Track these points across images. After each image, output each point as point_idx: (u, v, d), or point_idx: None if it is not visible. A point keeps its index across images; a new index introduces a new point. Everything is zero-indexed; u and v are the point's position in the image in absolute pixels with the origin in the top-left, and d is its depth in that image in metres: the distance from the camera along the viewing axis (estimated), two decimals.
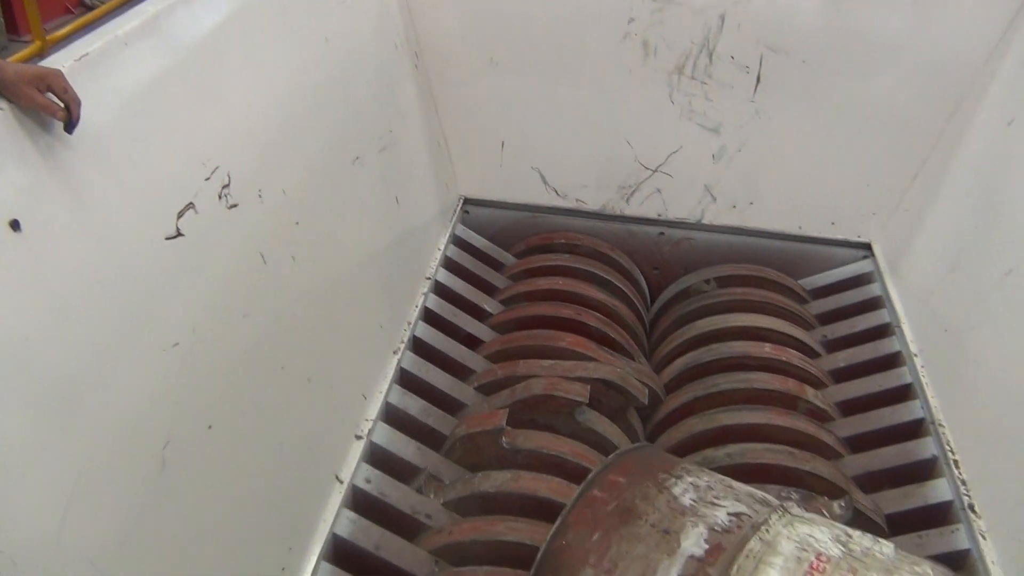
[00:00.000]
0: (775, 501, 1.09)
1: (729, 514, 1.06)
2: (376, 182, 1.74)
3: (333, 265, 1.52)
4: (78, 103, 0.93)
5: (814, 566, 0.98)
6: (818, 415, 1.75)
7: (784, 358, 1.84)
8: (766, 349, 1.86)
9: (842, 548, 1.00)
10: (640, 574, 1.04)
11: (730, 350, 1.87)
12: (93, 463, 0.90)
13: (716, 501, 1.09)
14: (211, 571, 1.07)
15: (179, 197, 1.13)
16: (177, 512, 1.02)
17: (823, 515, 1.29)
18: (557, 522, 1.15)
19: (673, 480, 1.15)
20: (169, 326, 1.05)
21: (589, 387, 1.66)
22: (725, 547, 1.02)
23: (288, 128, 1.43)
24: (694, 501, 1.09)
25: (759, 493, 1.12)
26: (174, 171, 1.14)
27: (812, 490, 1.53)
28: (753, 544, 1.01)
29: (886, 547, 1.00)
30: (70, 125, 0.93)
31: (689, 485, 1.13)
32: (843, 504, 1.48)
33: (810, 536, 1.03)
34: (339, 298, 1.52)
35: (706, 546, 1.03)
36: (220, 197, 1.21)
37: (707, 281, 2.19)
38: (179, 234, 1.10)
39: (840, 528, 1.05)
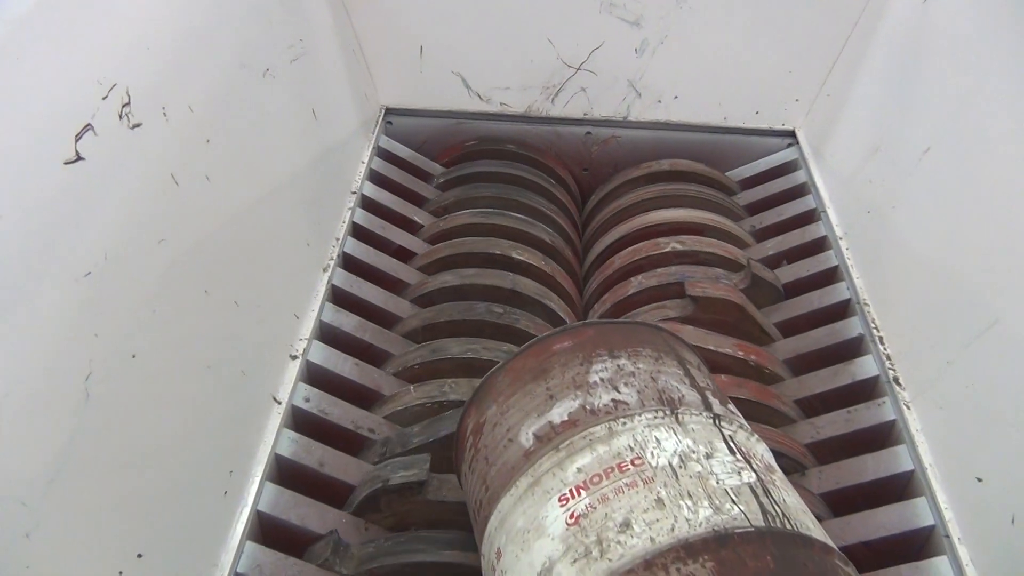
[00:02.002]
0: (676, 406, 1.07)
1: (613, 400, 1.08)
2: (290, 95, 1.67)
3: (251, 184, 1.47)
4: None
5: (620, 466, 0.98)
6: (762, 340, 1.78)
7: (712, 250, 1.86)
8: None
9: (674, 463, 0.98)
10: (516, 422, 1.11)
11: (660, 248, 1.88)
12: (10, 402, 0.86)
13: (618, 386, 1.10)
14: (149, 501, 1.05)
15: (75, 119, 1.06)
16: (108, 444, 1.00)
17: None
18: (500, 363, 1.21)
19: (606, 358, 1.15)
20: (78, 255, 1.00)
21: None
22: (578, 424, 1.05)
23: (189, 40, 1.35)
24: (600, 380, 1.11)
25: (675, 393, 1.11)
26: (67, 92, 1.06)
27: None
28: (598, 429, 1.03)
29: (731, 479, 0.97)
30: None
31: (614, 367, 1.13)
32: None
33: (655, 441, 1.01)
34: (261, 217, 1.47)
35: (566, 418, 1.07)
36: (121, 116, 1.14)
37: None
38: (79, 158, 1.04)
39: (712, 448, 1.01)
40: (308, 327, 1.55)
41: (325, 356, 1.54)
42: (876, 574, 1.28)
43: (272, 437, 1.36)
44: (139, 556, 1.00)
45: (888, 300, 1.64)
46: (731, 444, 1.04)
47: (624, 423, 1.04)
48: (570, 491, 0.99)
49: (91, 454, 0.96)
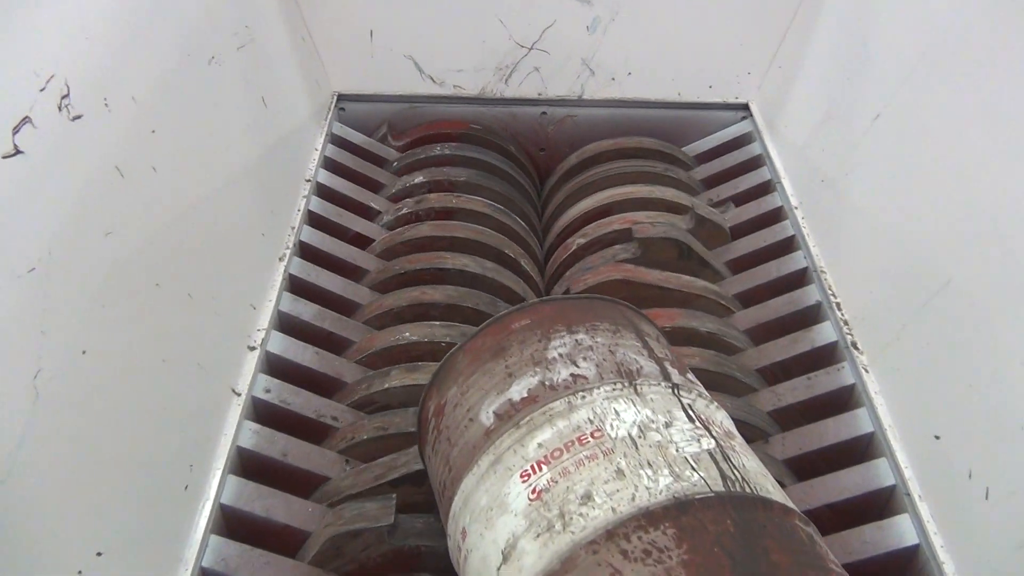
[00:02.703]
0: (634, 377, 1.08)
1: (572, 374, 1.08)
2: (237, 83, 1.65)
3: (201, 174, 1.44)
4: None
5: (580, 439, 0.99)
6: (710, 277, 1.79)
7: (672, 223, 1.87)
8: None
9: (633, 433, 0.98)
10: (476, 401, 1.11)
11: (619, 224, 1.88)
12: None
13: (577, 361, 1.10)
14: (107, 499, 1.03)
15: (12, 111, 1.03)
16: (61, 443, 0.97)
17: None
18: (459, 343, 1.21)
19: (565, 334, 1.15)
20: (20, 250, 0.97)
21: None
22: (538, 400, 1.06)
23: (130, 29, 1.32)
24: (559, 356, 1.11)
25: (633, 365, 1.11)
26: (3, 84, 1.04)
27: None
28: (558, 404, 1.03)
29: (690, 446, 0.98)
30: None
31: (572, 342, 1.13)
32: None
33: (614, 413, 1.01)
34: (212, 208, 1.45)
35: (525, 394, 1.07)
36: (60, 108, 1.11)
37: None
38: (17, 151, 1.01)
39: (671, 417, 1.02)
40: (266, 317, 1.53)
41: (284, 346, 1.52)
42: (840, 535, 1.30)
43: (232, 429, 1.34)
44: (99, 554, 0.98)
45: (844, 266, 1.66)
46: (690, 412, 1.04)
47: (583, 397, 1.04)
48: (531, 467, 0.99)
49: (44, 453, 0.94)
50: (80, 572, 0.95)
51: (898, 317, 1.43)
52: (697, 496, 0.90)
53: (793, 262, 1.75)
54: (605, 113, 2.22)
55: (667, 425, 1.00)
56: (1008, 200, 1.25)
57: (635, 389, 1.05)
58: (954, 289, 1.33)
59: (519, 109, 2.22)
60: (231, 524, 1.27)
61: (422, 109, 2.21)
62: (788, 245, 1.81)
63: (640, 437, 0.98)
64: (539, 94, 2.19)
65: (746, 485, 0.94)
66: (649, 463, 0.94)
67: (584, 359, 1.10)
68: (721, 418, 1.08)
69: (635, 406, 1.02)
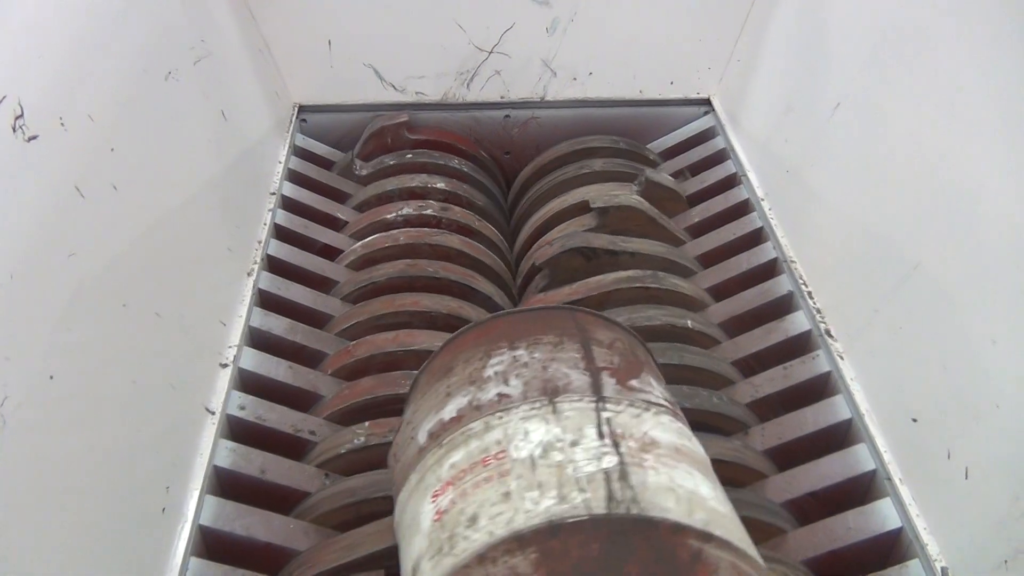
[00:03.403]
0: (556, 394, 1.06)
1: (499, 394, 1.07)
2: (196, 97, 1.62)
3: (163, 191, 1.42)
4: None
5: (484, 460, 0.98)
6: (681, 271, 1.80)
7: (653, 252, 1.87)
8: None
9: (535, 454, 0.97)
10: (419, 421, 1.11)
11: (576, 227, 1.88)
12: None
13: (508, 379, 1.09)
14: (81, 526, 1.01)
15: None
16: (31, 471, 0.95)
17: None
18: (424, 363, 1.22)
19: (505, 350, 1.14)
20: None
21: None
22: (462, 420, 1.05)
23: (83, 47, 1.29)
24: (494, 374, 1.10)
25: (561, 380, 1.09)
26: None
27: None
28: (476, 425, 1.03)
29: (589, 465, 0.95)
30: None
31: (510, 359, 1.12)
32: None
33: (523, 433, 1.00)
34: (176, 225, 1.42)
35: (454, 414, 1.07)
36: (15, 129, 1.08)
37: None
38: None
39: (580, 435, 1.00)
40: (237, 333, 1.51)
41: (257, 362, 1.50)
42: (825, 522, 1.30)
43: (208, 449, 1.31)
44: None
45: (814, 256, 1.67)
46: (603, 428, 1.01)
47: (501, 417, 1.02)
48: (441, 487, 0.98)
49: (13, 483, 0.91)
50: None
51: (870, 303, 1.44)
52: (569, 519, 0.88)
53: (763, 253, 1.76)
54: (568, 114, 2.22)
55: (573, 444, 0.98)
56: (971, 182, 1.27)
57: (553, 407, 1.03)
58: (923, 273, 1.35)
59: (482, 113, 2.21)
60: (211, 545, 1.24)
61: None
62: (757, 237, 1.82)
63: (542, 458, 0.96)
64: (501, 97, 2.19)
65: (633, 505, 0.91)
66: (540, 484, 0.93)
67: (516, 376, 1.09)
68: (647, 430, 1.04)
69: (547, 424, 1.01)
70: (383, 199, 1.99)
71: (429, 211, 1.91)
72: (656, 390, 1.13)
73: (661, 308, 1.65)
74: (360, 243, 1.85)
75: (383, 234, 1.86)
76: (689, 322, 1.63)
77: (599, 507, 0.89)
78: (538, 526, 0.87)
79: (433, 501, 0.98)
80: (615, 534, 0.87)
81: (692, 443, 1.05)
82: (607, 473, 0.93)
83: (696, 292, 1.73)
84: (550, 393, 1.06)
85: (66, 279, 1.10)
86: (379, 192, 2.00)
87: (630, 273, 1.72)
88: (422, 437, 1.08)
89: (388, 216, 1.90)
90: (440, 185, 2.01)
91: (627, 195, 1.87)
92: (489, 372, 1.10)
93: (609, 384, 1.10)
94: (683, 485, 0.96)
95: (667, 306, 1.67)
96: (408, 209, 1.91)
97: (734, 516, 0.98)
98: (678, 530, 0.89)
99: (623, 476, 0.94)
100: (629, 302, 1.68)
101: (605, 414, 1.03)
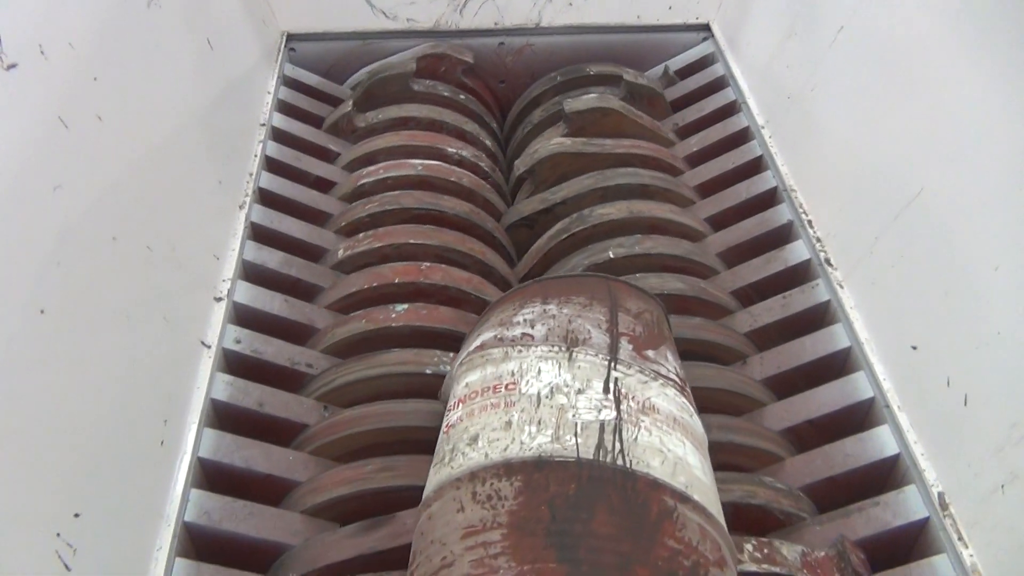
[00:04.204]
0: (575, 345, 1.12)
1: (523, 333, 1.14)
2: (180, 26, 1.57)
3: (150, 121, 1.38)
4: None
5: (495, 387, 1.06)
6: (679, 202, 1.78)
7: (637, 151, 1.84)
8: (624, 144, 1.85)
9: (542, 392, 1.04)
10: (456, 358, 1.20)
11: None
12: None
13: (535, 325, 1.15)
14: (79, 460, 1.00)
15: None
16: (24, 406, 0.94)
17: None
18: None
19: (537, 304, 1.20)
20: None
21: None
22: (484, 347, 1.13)
23: None
24: (524, 320, 1.17)
25: (582, 334, 1.14)
26: None
27: None
28: (496, 351, 1.11)
29: (588, 414, 1.01)
30: None
31: (540, 311, 1.18)
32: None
33: (536, 371, 1.07)
34: (164, 157, 1.39)
35: (478, 343, 1.16)
36: None
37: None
38: None
39: (586, 385, 1.05)
40: (230, 267, 1.49)
41: (252, 295, 1.48)
42: (823, 450, 1.31)
43: (205, 382, 1.30)
44: (76, 515, 0.95)
45: (814, 184, 1.65)
46: (609, 385, 1.07)
47: (520, 351, 1.09)
48: (455, 403, 1.08)
49: (7, 418, 0.91)
50: (59, 534, 0.92)
51: (870, 231, 1.43)
52: (557, 458, 0.95)
53: (762, 182, 1.74)
54: (564, 40, 2.17)
55: (579, 392, 1.04)
56: (976, 108, 1.24)
57: (569, 355, 1.10)
58: (925, 199, 1.33)
59: (476, 41, 2.16)
60: (211, 478, 1.25)
61: (375, 45, 2.13)
62: (756, 166, 1.79)
63: (547, 397, 1.03)
64: (496, 24, 2.13)
65: (619, 457, 0.97)
66: (540, 422, 1.00)
67: (541, 324, 1.15)
68: (650, 396, 1.08)
69: (560, 369, 1.07)
70: (374, 130, 1.95)
71: (420, 141, 1.87)
72: (670, 364, 1.17)
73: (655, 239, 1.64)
74: (355, 174, 1.82)
75: (379, 165, 1.82)
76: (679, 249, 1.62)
77: (586, 453, 0.96)
78: (527, 458, 0.96)
79: (447, 414, 1.08)
80: (594, 479, 0.94)
81: (692, 419, 1.09)
82: (603, 425, 1.00)
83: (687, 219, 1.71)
84: (570, 343, 1.12)
85: (52, 212, 1.07)
86: (371, 122, 1.95)
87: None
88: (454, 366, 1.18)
89: (379, 147, 1.86)
90: (434, 116, 1.97)
91: (604, 96, 1.86)
92: (519, 318, 1.18)
93: (626, 349, 1.15)
94: (672, 450, 1.01)
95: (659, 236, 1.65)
96: (399, 139, 1.87)
97: (715, 490, 1.04)
98: (656, 486, 0.95)
99: (616, 431, 1.00)
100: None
101: (615, 374, 1.09)
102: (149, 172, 1.34)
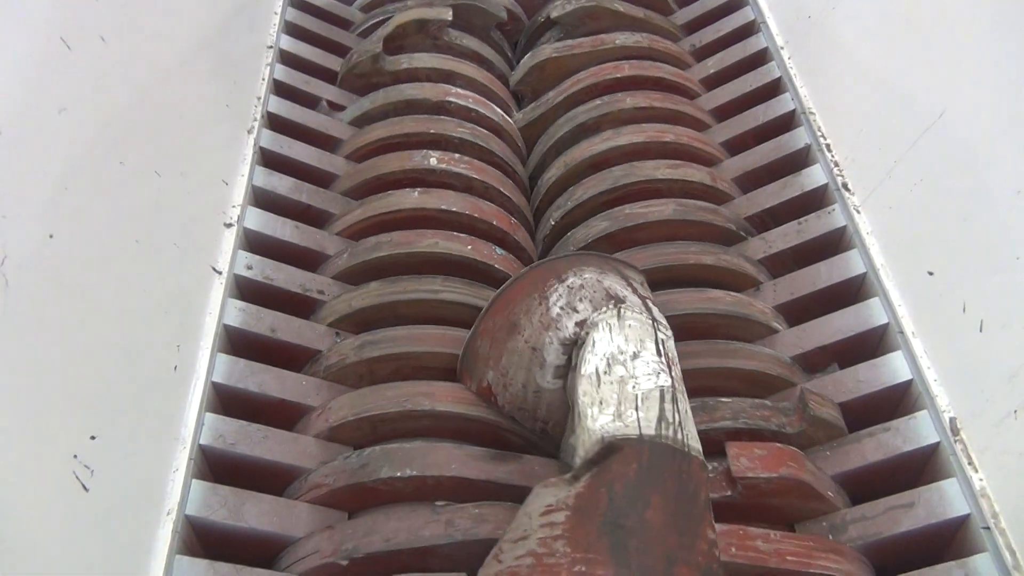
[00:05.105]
0: (620, 302, 1.16)
1: (576, 323, 1.16)
2: None
3: (154, 43, 1.36)
4: None
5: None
6: (695, 125, 1.74)
7: (651, 74, 1.80)
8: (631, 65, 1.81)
9: (600, 368, 1.08)
10: (523, 382, 1.21)
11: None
12: None
13: (575, 306, 1.17)
14: (94, 384, 1.01)
15: None
16: (36, 330, 0.94)
17: None
18: (472, 328, 1.28)
19: (556, 284, 1.21)
20: None
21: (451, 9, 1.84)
22: (575, 363, 1.15)
23: None
24: (560, 310, 1.17)
25: (620, 291, 1.19)
26: None
27: None
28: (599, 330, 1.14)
29: (647, 381, 1.05)
30: None
31: (566, 289, 1.19)
32: None
33: (591, 344, 1.11)
34: (170, 80, 1.37)
35: (563, 357, 1.17)
36: None
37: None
38: None
39: (641, 347, 1.09)
40: (240, 193, 1.47)
41: (262, 221, 1.47)
42: (835, 376, 1.31)
43: (217, 308, 1.31)
44: (92, 438, 0.97)
45: (834, 106, 1.61)
46: (660, 347, 1.11)
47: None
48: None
49: (19, 342, 0.91)
50: (76, 456, 0.93)
51: (890, 154, 1.40)
52: (620, 437, 0.99)
53: (780, 105, 1.69)
54: None
55: (635, 356, 1.07)
56: (1001, 25, 1.20)
57: (618, 312, 1.12)
58: (947, 122, 1.30)
59: None
60: (225, 402, 1.26)
61: None
62: (774, 88, 1.74)
63: (606, 373, 1.06)
64: None
65: (679, 431, 1.01)
66: (602, 401, 1.03)
67: (580, 300, 1.17)
68: (679, 363, 1.14)
69: (611, 333, 1.10)
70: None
71: (431, 64, 1.83)
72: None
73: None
74: (366, 98, 1.78)
75: (391, 87, 1.78)
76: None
77: (648, 428, 1.00)
78: (593, 441, 1.01)
79: None
80: (655, 458, 0.98)
81: None
82: (662, 393, 1.03)
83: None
84: (613, 299, 1.16)
85: (59, 135, 1.06)
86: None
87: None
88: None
89: (392, 69, 1.82)
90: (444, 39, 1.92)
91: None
92: (555, 310, 1.18)
93: (655, 310, 1.19)
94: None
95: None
96: (412, 63, 1.83)
97: None
98: (702, 467, 1.01)
99: (673, 400, 1.05)
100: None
101: (660, 335, 1.14)
102: (155, 95, 1.32)
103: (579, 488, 0.96)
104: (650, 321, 1.14)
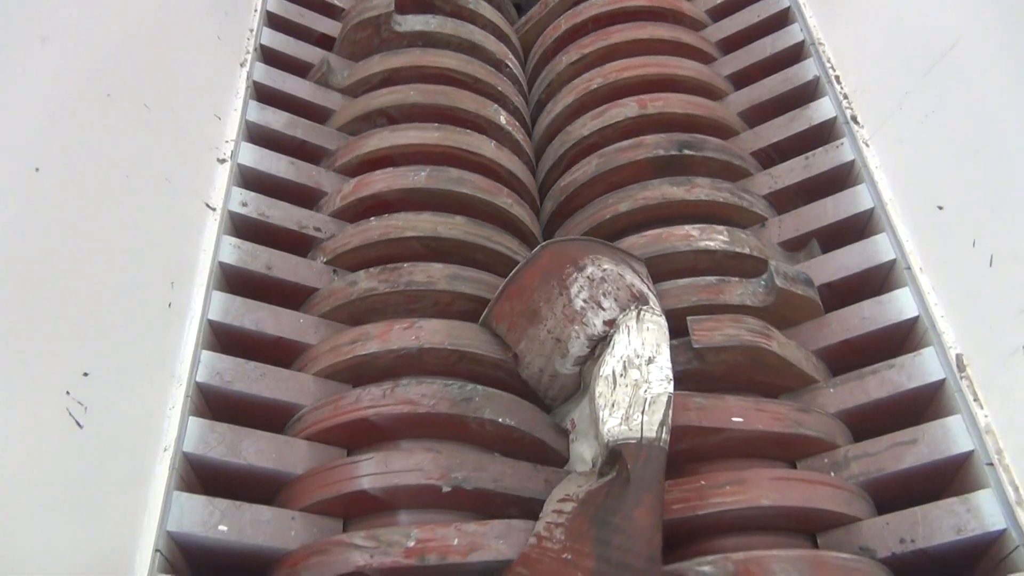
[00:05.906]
0: (642, 303, 1.17)
1: (604, 322, 1.18)
2: None
3: None
4: None
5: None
6: (701, 57, 1.70)
7: (659, 4, 1.75)
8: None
9: (616, 371, 1.10)
10: (541, 367, 1.24)
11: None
12: None
13: (600, 302, 1.18)
14: (84, 320, 1.00)
15: None
16: (23, 265, 0.92)
17: None
18: (486, 311, 1.28)
19: (575, 275, 1.21)
20: None
21: None
22: (597, 354, 1.18)
23: None
24: (584, 303, 1.18)
25: (642, 287, 1.20)
26: None
27: None
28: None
29: (659, 386, 1.06)
30: None
31: (586, 281, 1.20)
32: None
33: (611, 347, 1.14)
34: (157, 9, 1.33)
35: (587, 349, 1.20)
36: None
37: None
38: None
39: (656, 352, 1.11)
40: (233, 128, 1.44)
41: (257, 157, 1.44)
42: (839, 312, 1.29)
43: (212, 245, 1.28)
44: (85, 375, 0.95)
45: (844, 37, 1.56)
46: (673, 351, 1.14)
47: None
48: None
49: (8, 278, 0.89)
50: (68, 392, 0.92)
51: (901, 85, 1.36)
52: (622, 440, 1.02)
53: (788, 36, 1.64)
54: None
55: (650, 360, 1.09)
56: None
57: (639, 315, 1.14)
58: (961, 52, 1.25)
59: None
60: (221, 340, 1.24)
61: None
62: (783, 18, 1.69)
63: (622, 375, 1.09)
64: None
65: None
66: (615, 404, 1.06)
67: (604, 295, 1.18)
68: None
69: (629, 336, 1.12)
70: None
71: None
72: None
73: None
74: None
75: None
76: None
77: (650, 431, 1.02)
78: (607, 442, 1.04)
79: None
80: (651, 459, 1.00)
81: None
82: (670, 398, 1.05)
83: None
84: (637, 299, 1.18)
85: (41, 65, 1.03)
86: None
87: None
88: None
89: None
90: None
91: None
92: (579, 302, 1.19)
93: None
94: None
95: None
96: None
97: None
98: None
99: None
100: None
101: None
102: (142, 25, 1.28)
103: (592, 484, 1.02)
104: (666, 324, 1.16)
